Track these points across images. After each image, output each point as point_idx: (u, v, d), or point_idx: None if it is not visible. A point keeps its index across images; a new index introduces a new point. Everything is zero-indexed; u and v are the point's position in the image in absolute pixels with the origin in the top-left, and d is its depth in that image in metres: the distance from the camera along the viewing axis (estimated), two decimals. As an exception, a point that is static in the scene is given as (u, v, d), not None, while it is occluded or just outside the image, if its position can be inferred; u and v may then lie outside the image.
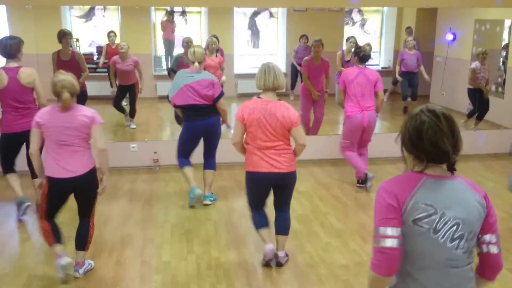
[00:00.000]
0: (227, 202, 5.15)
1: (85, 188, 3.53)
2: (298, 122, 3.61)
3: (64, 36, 6.29)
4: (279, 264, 3.79)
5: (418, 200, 1.78)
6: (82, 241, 3.63)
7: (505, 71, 8.26)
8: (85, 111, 3.48)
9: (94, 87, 8.93)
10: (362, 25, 12.28)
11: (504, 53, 8.50)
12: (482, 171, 6.23)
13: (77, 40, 10.77)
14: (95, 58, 10.60)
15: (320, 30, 9.00)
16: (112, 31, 8.98)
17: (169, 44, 10.89)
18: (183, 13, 11.32)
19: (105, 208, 4.99)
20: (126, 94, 8.13)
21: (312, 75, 6.78)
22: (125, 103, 8.41)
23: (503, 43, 8.59)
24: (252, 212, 3.85)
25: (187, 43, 6.75)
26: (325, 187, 5.61)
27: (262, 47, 11.13)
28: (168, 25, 10.84)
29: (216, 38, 8.06)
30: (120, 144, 6.57)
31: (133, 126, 7.85)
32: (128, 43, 8.02)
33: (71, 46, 6.46)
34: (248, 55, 10.83)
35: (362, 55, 5.46)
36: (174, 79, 5.07)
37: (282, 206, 3.84)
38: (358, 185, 5.62)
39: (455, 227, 1.80)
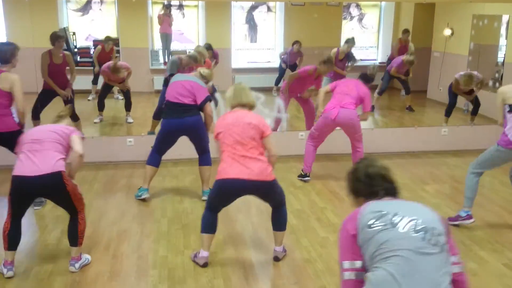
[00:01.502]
0: (224, 197, 5.15)
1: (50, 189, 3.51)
2: (267, 132, 3.61)
3: (58, 39, 6.21)
4: (276, 259, 3.79)
5: (365, 213, 1.96)
6: (73, 237, 3.62)
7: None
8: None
9: (90, 81, 8.90)
10: (360, 19, 12.25)
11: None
12: (478, 166, 6.24)
13: (74, 33, 10.73)
14: (91, 52, 10.55)
15: (317, 25, 9.01)
16: (110, 39, 8.73)
17: (166, 38, 10.85)
18: (180, 6, 11.29)
19: (102, 202, 4.99)
20: (110, 90, 8.02)
21: (304, 81, 6.75)
22: (121, 97, 8.37)
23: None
24: (205, 212, 3.73)
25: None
26: (322, 182, 5.61)
27: (259, 41, 11.10)
28: (165, 19, 10.79)
29: (210, 47, 7.93)
30: (116, 139, 6.56)
31: (130, 120, 7.82)
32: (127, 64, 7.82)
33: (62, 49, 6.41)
34: (245, 50, 10.81)
35: (368, 78, 5.70)
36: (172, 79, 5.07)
37: (275, 206, 3.79)
38: (298, 177, 5.69)
39: (414, 221, 1.88)
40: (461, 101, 8.47)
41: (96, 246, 4.03)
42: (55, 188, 3.47)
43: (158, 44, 11.26)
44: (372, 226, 1.89)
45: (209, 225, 3.69)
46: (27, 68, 6.86)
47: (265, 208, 4.85)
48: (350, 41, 8.43)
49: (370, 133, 6.92)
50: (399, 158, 6.52)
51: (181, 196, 5.13)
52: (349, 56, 8.49)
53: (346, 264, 1.93)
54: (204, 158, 5.06)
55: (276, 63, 10.24)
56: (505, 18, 8.42)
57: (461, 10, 9.33)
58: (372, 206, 2.00)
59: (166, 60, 11.03)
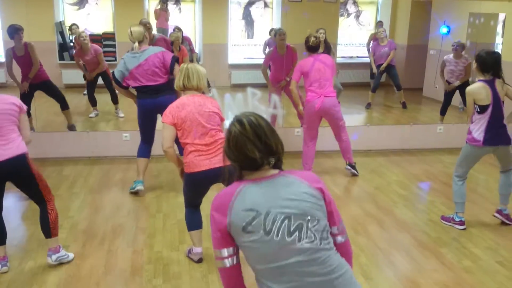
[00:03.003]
0: (219, 193, 5.14)
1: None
2: (223, 117, 3.57)
3: (16, 31, 6.19)
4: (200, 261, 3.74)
5: (237, 209, 1.75)
6: (45, 228, 3.56)
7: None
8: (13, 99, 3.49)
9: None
10: (357, 16, 12.25)
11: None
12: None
13: (70, 27, 10.67)
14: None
15: (314, 21, 8.97)
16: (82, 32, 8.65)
17: (162, 32, 10.79)
18: (177, 1, 11.24)
19: (97, 197, 4.98)
20: (96, 83, 7.96)
21: (276, 65, 6.74)
22: (122, 114, 8.24)
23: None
24: (186, 210, 3.72)
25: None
26: (318, 179, 5.61)
27: (256, 37, 11.07)
28: (162, 14, 10.75)
29: (179, 29, 7.97)
30: (112, 133, 6.54)
31: (121, 114, 7.76)
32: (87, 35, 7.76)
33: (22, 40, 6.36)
34: (242, 45, 10.78)
35: (308, 45, 5.48)
36: (121, 62, 4.92)
37: None
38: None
39: (287, 221, 1.73)
40: (457, 98, 8.49)
41: (91, 240, 4.02)
42: (19, 171, 3.41)
43: (154, 39, 11.22)
44: (247, 230, 1.74)
45: (193, 222, 3.68)
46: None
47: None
48: (320, 29, 8.21)
49: (366, 130, 6.94)
50: (394, 155, 6.53)
51: (176, 192, 5.12)
52: (327, 47, 8.37)
53: (218, 252, 1.85)
54: (178, 147, 4.97)
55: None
56: (501, 16, 8.44)
57: (458, 8, 9.35)
58: (244, 198, 1.76)
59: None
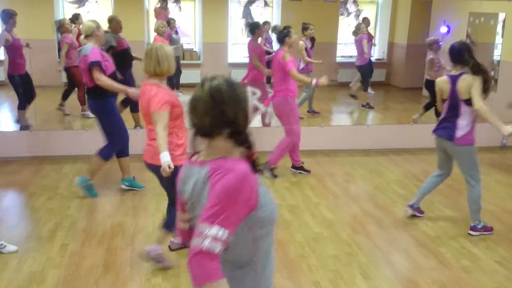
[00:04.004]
0: (218, 191, 5.14)
1: None
2: (157, 107, 3.23)
3: (12, 16, 6.18)
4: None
5: (262, 193, 1.63)
6: None
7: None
8: None
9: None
10: (357, 16, 12.24)
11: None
12: None
13: (73, 17, 10.65)
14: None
15: (315, 20, 8.94)
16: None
17: (175, 31, 10.79)
18: (177, 0, 11.23)
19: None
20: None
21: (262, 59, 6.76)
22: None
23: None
24: (172, 209, 3.64)
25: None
26: (317, 178, 5.62)
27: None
28: (162, 12, 10.73)
29: (168, 24, 8.05)
30: (111, 132, 6.53)
31: (91, 115, 7.66)
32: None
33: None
34: (242, 44, 10.76)
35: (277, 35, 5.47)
36: None
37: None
38: (297, 169, 5.70)
39: None
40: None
41: (90, 239, 4.02)
42: None
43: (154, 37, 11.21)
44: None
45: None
46: (22, 60, 6.80)
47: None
48: (309, 25, 8.09)
49: (366, 130, 6.94)
50: (394, 154, 6.53)
51: (176, 190, 5.12)
52: (313, 44, 8.36)
53: (224, 233, 1.49)
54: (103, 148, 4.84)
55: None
56: (501, 16, 8.44)
57: (458, 8, 9.34)
58: (181, 180, 1.73)
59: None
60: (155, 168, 3.37)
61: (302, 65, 7.72)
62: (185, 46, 10.65)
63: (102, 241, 3.99)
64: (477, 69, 3.94)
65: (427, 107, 7.32)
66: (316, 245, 4.01)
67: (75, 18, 8.14)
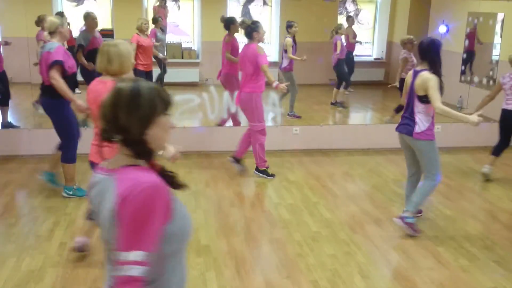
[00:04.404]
0: (217, 190, 5.14)
1: None
2: None
3: None
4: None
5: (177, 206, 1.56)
6: None
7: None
8: None
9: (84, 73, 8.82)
10: (356, 15, 12.24)
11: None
12: (471, 163, 6.28)
13: (68, 24, 10.64)
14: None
15: (313, 19, 8.98)
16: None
17: (161, 30, 10.78)
18: (176, -2, 11.22)
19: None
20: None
21: (236, 51, 6.74)
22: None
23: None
24: None
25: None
26: (315, 177, 5.62)
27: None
28: (161, 11, 10.72)
29: (156, 20, 8.09)
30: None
31: (42, 111, 7.64)
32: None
33: None
34: (240, 43, 10.75)
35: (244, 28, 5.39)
36: None
37: None
38: (261, 173, 5.53)
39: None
40: (455, 97, 8.49)
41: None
42: None
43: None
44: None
45: None
46: (21, 58, 6.81)
47: (258, 202, 4.86)
48: (293, 23, 7.96)
49: (364, 129, 6.94)
50: (392, 154, 6.53)
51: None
52: (295, 42, 8.36)
53: (144, 255, 1.41)
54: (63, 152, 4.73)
55: (272, 57, 10.20)
56: (500, 16, 8.44)
57: (457, 7, 9.35)
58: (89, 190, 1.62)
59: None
60: None
61: (285, 63, 7.75)
62: (183, 45, 10.66)
63: (100, 240, 3.98)
64: (434, 68, 3.94)
65: (398, 110, 7.31)
66: (314, 244, 4.01)
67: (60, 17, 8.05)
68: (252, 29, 5.23)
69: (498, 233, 4.30)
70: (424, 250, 3.95)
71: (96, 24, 6.49)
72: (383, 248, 4.00)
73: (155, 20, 9.09)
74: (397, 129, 4.26)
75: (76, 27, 11.11)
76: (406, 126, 4.11)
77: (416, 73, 4.05)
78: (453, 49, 9.46)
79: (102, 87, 3.15)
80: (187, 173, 5.54)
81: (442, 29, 9.40)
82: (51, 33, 4.51)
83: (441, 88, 3.96)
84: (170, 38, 11.18)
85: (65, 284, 3.37)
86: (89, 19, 6.44)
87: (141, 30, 7.62)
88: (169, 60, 10.76)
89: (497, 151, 5.60)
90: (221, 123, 6.66)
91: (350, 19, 9.83)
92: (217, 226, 4.29)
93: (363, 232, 4.25)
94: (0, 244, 3.93)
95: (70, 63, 4.53)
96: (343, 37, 8.84)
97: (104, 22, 10.04)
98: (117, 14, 9.99)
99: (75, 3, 11.02)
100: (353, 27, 10.32)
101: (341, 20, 11.71)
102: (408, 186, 4.40)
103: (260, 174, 5.50)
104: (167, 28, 10.96)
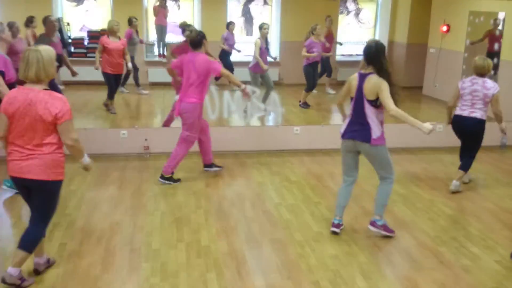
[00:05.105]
0: (218, 191, 5.13)
1: None
2: (65, 117, 3.05)
3: None
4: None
5: None
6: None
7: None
8: None
9: (85, 72, 8.82)
10: (357, 14, 12.23)
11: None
12: (473, 163, 6.25)
13: (68, 24, 10.64)
14: (85, 43, 10.47)
15: (314, 19, 8.95)
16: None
17: (161, 29, 10.78)
18: (176, -2, 11.22)
19: (94, 195, 4.95)
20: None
21: None
22: (126, 90, 8.27)
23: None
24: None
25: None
26: (317, 177, 5.60)
27: (255, 34, 11.07)
28: (161, 11, 10.72)
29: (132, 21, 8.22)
30: (110, 131, 6.52)
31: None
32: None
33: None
34: (241, 43, 10.75)
35: (189, 41, 5.20)
36: None
37: (33, 218, 3.30)
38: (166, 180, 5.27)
39: None
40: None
41: (88, 238, 4.00)
42: None
43: (153, 36, 11.18)
44: None
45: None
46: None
47: (259, 202, 4.84)
48: (265, 24, 7.97)
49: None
50: (394, 154, 6.48)
51: (174, 190, 5.10)
52: (267, 43, 8.35)
53: None
54: None
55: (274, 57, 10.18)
56: (501, 15, 8.42)
57: (458, 7, 9.33)
58: None
59: (161, 52, 10.96)
60: (43, 184, 3.13)
61: (253, 63, 7.75)
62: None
63: (100, 241, 3.97)
64: (383, 72, 3.81)
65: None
66: (315, 244, 3.99)
67: (30, 22, 7.89)
68: (202, 38, 5.12)
69: (500, 233, 4.28)
70: (425, 250, 3.94)
71: (55, 29, 6.39)
72: (384, 248, 3.98)
73: (130, 21, 9.01)
74: (346, 136, 4.02)
75: (77, 27, 11.12)
76: (360, 132, 3.94)
77: (363, 77, 3.89)
78: (454, 48, 9.45)
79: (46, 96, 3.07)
80: (187, 174, 5.52)
81: (443, 28, 9.39)
82: None
83: (394, 95, 3.83)
84: (170, 37, 11.17)
85: (65, 284, 3.35)
86: (48, 23, 6.35)
87: (112, 31, 7.52)
88: (172, 59, 10.75)
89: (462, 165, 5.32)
90: (166, 123, 6.57)
91: (327, 19, 9.73)
92: (218, 226, 4.27)
93: (365, 232, 4.23)
94: (1, 244, 3.91)
95: (9, 73, 4.50)
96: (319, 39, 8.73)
97: (104, 22, 10.04)
98: (117, 14, 9.98)
99: (75, 3, 11.01)
100: (355, 27, 10.29)
101: (342, 19, 11.69)
102: (345, 194, 4.20)
103: (166, 182, 5.22)
104: (167, 27, 10.96)
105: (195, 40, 5.12)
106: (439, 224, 4.44)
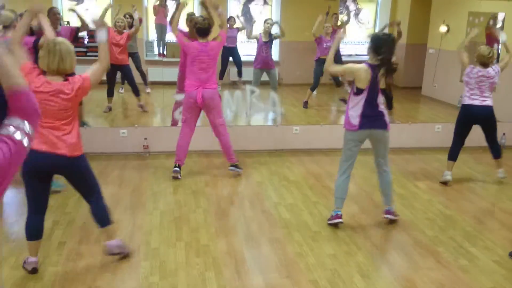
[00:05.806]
0: (217, 190, 5.14)
1: None
2: (86, 75, 3.25)
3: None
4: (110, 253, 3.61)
5: None
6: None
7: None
8: None
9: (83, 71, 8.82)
10: (357, 14, 12.23)
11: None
12: (471, 163, 6.28)
13: (68, 23, 10.64)
14: (85, 42, 10.48)
15: (314, 18, 8.95)
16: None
17: (161, 29, 10.79)
18: (176, -2, 11.21)
19: (94, 193, 4.96)
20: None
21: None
22: (122, 90, 8.29)
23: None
24: (27, 217, 3.39)
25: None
26: (315, 177, 5.61)
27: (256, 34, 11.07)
28: (161, 10, 10.72)
29: (130, 16, 8.04)
30: (109, 130, 6.52)
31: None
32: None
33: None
34: (241, 42, 10.75)
35: (197, 27, 5.23)
36: None
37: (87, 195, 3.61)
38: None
39: None
40: (455, 97, 8.48)
41: (87, 237, 4.01)
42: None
43: (153, 35, 11.19)
44: None
45: (32, 231, 3.42)
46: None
47: (258, 202, 4.85)
48: (268, 19, 8.07)
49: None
50: (392, 154, 6.51)
51: (174, 188, 5.11)
52: (271, 37, 8.37)
53: None
54: None
55: (274, 56, 10.18)
56: (501, 16, 8.43)
57: (457, 7, 9.34)
58: None
59: (161, 51, 10.97)
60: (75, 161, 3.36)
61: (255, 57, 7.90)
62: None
63: (99, 240, 3.97)
64: (388, 64, 3.99)
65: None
66: (314, 244, 4.01)
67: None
68: (210, 25, 5.23)
69: (498, 233, 4.30)
70: (423, 250, 3.95)
71: (58, 21, 6.34)
72: (383, 248, 4.00)
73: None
74: (364, 126, 4.07)
75: (76, 25, 11.07)
76: (378, 121, 4.11)
77: (374, 68, 4.00)
78: (453, 48, 9.45)
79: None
80: (187, 173, 5.53)
81: (443, 28, 9.39)
82: (6, 27, 4.35)
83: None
84: (170, 37, 11.17)
85: (65, 283, 3.37)
86: (51, 15, 6.33)
87: (118, 28, 7.65)
88: (169, 59, 10.76)
89: (454, 155, 5.46)
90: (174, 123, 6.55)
91: (334, 17, 9.84)
92: (217, 225, 4.28)
93: (363, 232, 4.24)
94: (0, 243, 3.92)
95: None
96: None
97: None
98: (56, 7, 9.95)
99: (75, 2, 11.01)
100: (355, 27, 10.30)
101: (342, 19, 11.67)
102: (345, 186, 4.28)
103: (237, 169, 5.47)
104: (167, 27, 10.94)
105: (204, 27, 5.20)
106: (437, 224, 4.46)
